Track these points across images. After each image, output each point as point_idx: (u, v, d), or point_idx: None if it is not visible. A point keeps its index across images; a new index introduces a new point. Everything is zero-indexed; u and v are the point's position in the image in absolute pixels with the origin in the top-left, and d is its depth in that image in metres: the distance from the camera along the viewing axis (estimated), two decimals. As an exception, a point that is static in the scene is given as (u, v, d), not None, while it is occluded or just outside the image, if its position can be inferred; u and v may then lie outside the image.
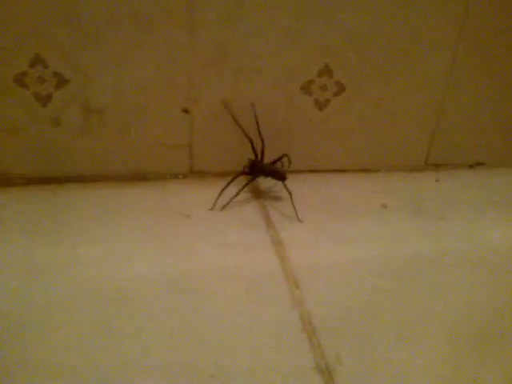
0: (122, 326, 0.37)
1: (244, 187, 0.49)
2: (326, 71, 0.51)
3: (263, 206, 0.50)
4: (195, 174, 0.53)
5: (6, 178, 0.49)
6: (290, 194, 0.48)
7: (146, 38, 0.46)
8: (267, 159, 0.51)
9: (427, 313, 0.40)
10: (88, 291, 0.39)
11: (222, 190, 0.49)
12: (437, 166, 0.58)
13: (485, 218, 0.52)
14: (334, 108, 0.53)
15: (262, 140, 0.50)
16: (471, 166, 0.59)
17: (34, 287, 0.39)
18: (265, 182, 0.53)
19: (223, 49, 0.48)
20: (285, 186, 0.49)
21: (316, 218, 0.49)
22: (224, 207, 0.49)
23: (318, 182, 0.55)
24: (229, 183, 0.49)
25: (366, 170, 0.57)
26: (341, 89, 0.52)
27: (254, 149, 0.50)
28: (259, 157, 0.50)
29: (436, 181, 0.57)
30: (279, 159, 0.51)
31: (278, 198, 0.51)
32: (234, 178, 0.49)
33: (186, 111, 0.50)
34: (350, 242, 0.47)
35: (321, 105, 0.52)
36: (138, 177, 0.52)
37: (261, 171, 0.50)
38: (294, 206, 0.48)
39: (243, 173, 0.50)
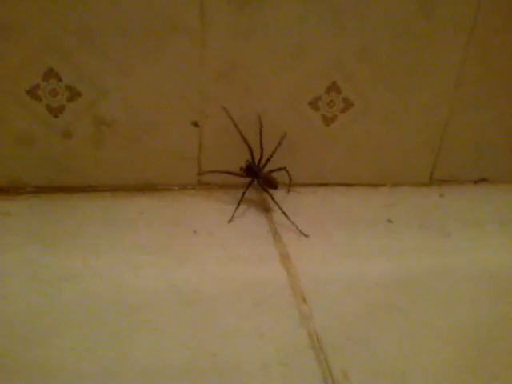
0: (131, 337, 0.37)
1: (244, 195, 0.50)
2: (334, 88, 0.51)
3: (270, 220, 0.51)
4: (203, 185, 0.54)
5: (17, 186, 0.50)
6: (282, 211, 0.49)
7: (157, 51, 0.47)
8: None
9: (433, 328, 0.41)
10: (96, 302, 0.40)
11: (239, 202, 0.50)
12: (441, 182, 0.59)
13: (488, 234, 0.52)
14: (342, 123, 0.53)
15: (262, 148, 0.51)
16: (475, 182, 0.60)
17: (44, 298, 0.40)
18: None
19: (233, 63, 0.49)
20: (272, 198, 0.50)
21: (322, 232, 0.50)
22: (231, 220, 0.50)
23: (324, 195, 0.55)
24: (243, 194, 0.50)
25: (372, 185, 0.57)
26: (348, 105, 0.53)
27: (252, 155, 0.51)
28: (256, 162, 0.51)
29: (440, 196, 0.58)
30: (277, 170, 0.52)
31: (285, 212, 0.52)
32: (247, 188, 0.50)
33: (195, 125, 0.51)
34: (356, 256, 0.47)
35: (328, 120, 0.53)
36: (147, 187, 0.53)
37: (255, 175, 0.51)
38: (292, 221, 0.49)
39: (237, 174, 0.51)
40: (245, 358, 0.37)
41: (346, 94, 0.52)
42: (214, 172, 0.52)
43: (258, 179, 0.51)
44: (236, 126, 0.50)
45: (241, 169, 0.51)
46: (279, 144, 0.51)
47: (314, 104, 0.52)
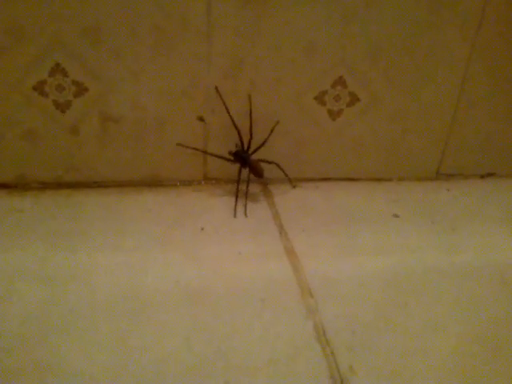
0: (138, 334, 0.37)
1: (238, 184, 0.50)
2: (340, 82, 0.51)
3: (276, 215, 0.51)
4: (209, 180, 0.54)
5: (23, 182, 0.50)
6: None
7: (164, 49, 0.47)
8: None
9: (439, 325, 0.41)
10: (104, 300, 0.40)
11: (237, 197, 0.50)
12: (448, 176, 0.59)
13: (495, 229, 0.52)
14: (348, 118, 0.53)
15: (251, 133, 0.50)
16: (482, 177, 0.60)
17: (50, 295, 0.40)
18: (278, 193, 0.54)
19: (240, 61, 0.49)
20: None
21: (328, 227, 0.50)
22: (235, 214, 0.50)
23: (330, 189, 0.55)
24: (238, 183, 0.50)
25: (378, 179, 0.57)
26: (355, 99, 0.52)
27: (241, 139, 0.50)
28: (245, 148, 0.51)
29: (447, 190, 0.57)
30: (269, 162, 0.52)
31: (290, 208, 0.52)
32: (239, 175, 0.51)
33: (201, 119, 0.51)
34: (362, 251, 0.47)
35: (334, 114, 0.53)
36: (153, 183, 0.53)
37: (242, 161, 0.51)
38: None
39: (225, 158, 0.51)
40: (252, 353, 0.37)
41: (353, 88, 0.52)
42: (197, 150, 0.51)
43: (245, 166, 0.51)
44: (226, 107, 0.49)
45: (229, 152, 0.51)
46: (271, 131, 0.51)
47: (320, 99, 0.52)
